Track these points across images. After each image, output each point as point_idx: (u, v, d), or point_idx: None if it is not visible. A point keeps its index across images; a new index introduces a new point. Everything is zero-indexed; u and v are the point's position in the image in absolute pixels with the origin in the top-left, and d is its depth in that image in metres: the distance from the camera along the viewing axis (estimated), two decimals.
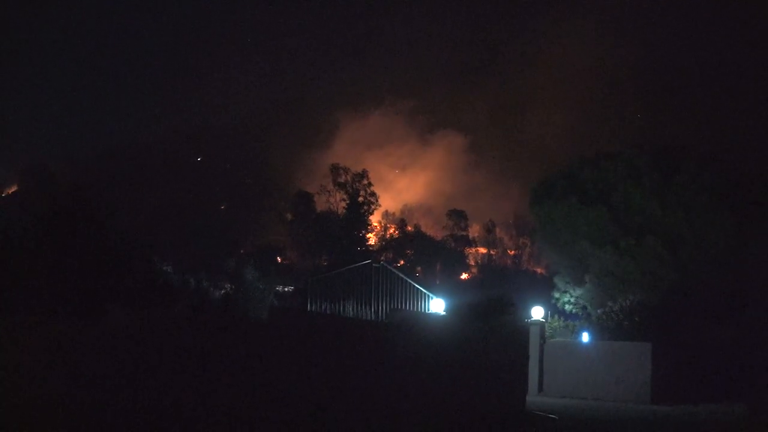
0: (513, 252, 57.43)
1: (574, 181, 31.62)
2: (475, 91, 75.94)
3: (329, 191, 52.34)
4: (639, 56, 74.36)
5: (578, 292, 30.95)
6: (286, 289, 34.91)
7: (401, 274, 27.78)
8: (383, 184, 61.70)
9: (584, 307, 30.79)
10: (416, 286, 27.29)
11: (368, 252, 47.50)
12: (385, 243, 53.72)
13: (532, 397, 24.00)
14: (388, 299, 26.62)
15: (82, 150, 74.98)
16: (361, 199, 50.91)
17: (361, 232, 50.87)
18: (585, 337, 27.77)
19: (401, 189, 68.57)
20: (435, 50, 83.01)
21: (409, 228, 55.49)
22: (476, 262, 55.03)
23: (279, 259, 50.01)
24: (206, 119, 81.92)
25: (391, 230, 55.69)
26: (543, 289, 33.90)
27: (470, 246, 55.12)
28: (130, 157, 70.47)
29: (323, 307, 25.63)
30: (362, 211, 50.66)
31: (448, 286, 40.42)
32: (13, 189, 66.59)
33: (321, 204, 52.60)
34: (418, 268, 49.75)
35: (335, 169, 52.85)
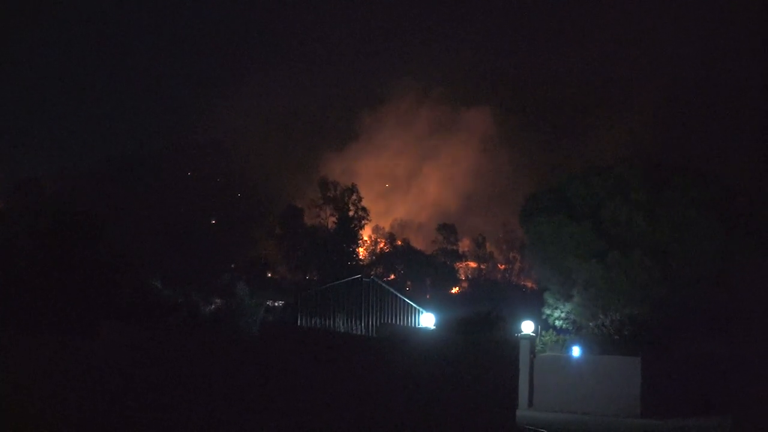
0: (503, 266, 57.46)
1: (563, 196, 31.77)
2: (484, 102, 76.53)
3: (319, 206, 52.42)
4: (630, 72, 75.03)
5: (568, 306, 30.99)
6: (276, 304, 34.90)
7: (391, 289, 27.77)
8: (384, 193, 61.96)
9: (574, 321, 30.83)
10: (406, 300, 27.27)
11: (358, 266, 47.46)
12: (376, 257, 53.68)
13: (522, 412, 23.96)
14: (378, 314, 26.57)
15: (73, 166, 74.81)
16: (351, 213, 50.95)
17: (351, 247, 50.83)
18: (575, 351, 27.79)
19: (402, 200, 68.89)
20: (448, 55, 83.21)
21: (399, 242, 55.51)
22: (466, 277, 55.03)
23: (269, 273, 49.89)
24: (201, 133, 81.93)
25: (381, 245, 55.67)
26: (533, 304, 33.88)
27: (460, 260, 55.15)
28: (120, 173, 70.34)
29: (313, 321, 25.57)
30: (352, 225, 50.68)
31: (438, 301, 40.35)
32: (1, 205, 66.14)
33: (311, 218, 52.60)
34: (408, 283, 49.69)
35: (324, 184, 53.04)
